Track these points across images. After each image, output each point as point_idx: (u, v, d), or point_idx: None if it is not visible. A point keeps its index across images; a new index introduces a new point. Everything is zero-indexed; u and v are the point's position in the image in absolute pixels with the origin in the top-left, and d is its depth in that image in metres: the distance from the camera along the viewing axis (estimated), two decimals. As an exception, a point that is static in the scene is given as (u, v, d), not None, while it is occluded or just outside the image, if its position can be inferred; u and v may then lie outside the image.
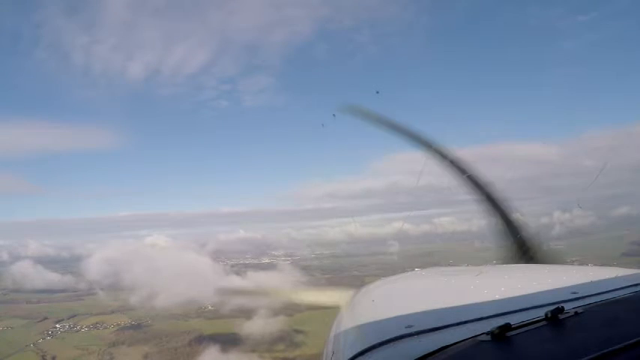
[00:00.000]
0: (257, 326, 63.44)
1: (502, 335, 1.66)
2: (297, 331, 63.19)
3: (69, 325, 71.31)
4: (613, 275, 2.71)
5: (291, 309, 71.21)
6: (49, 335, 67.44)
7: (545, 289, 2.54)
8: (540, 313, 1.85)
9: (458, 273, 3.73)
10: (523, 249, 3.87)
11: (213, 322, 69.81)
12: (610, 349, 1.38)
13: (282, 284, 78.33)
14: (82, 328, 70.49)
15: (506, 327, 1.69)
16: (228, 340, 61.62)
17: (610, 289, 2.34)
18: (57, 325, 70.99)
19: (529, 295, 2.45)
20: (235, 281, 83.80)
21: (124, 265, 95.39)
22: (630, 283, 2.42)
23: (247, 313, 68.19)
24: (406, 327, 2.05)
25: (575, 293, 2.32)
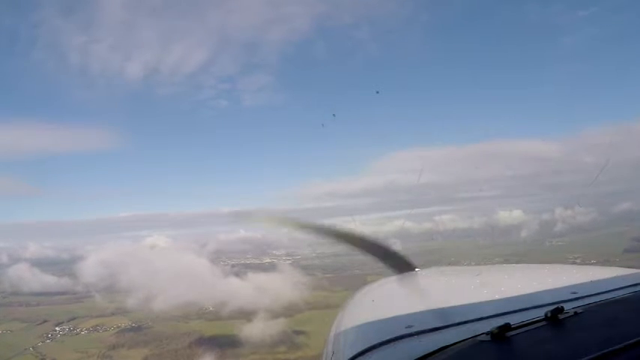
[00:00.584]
0: (258, 328, 63.05)
1: (502, 335, 1.66)
2: (298, 332, 62.69)
3: (69, 328, 70.88)
4: (613, 275, 2.73)
5: (291, 309, 70.92)
6: (48, 338, 67.03)
7: (545, 289, 2.56)
8: (540, 313, 1.84)
9: (458, 273, 3.71)
10: (398, 263, 3.83)
11: (214, 324, 69.34)
12: (610, 349, 1.39)
13: (283, 287, 78.49)
14: (81, 330, 70.08)
15: (506, 327, 1.68)
16: (229, 342, 61.25)
17: (610, 289, 2.34)
18: (56, 328, 70.55)
19: (529, 295, 2.45)
20: (235, 283, 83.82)
21: (122, 266, 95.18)
22: (630, 283, 2.41)
23: (248, 315, 67.88)
24: (406, 327, 2.05)
25: (575, 293, 2.31)
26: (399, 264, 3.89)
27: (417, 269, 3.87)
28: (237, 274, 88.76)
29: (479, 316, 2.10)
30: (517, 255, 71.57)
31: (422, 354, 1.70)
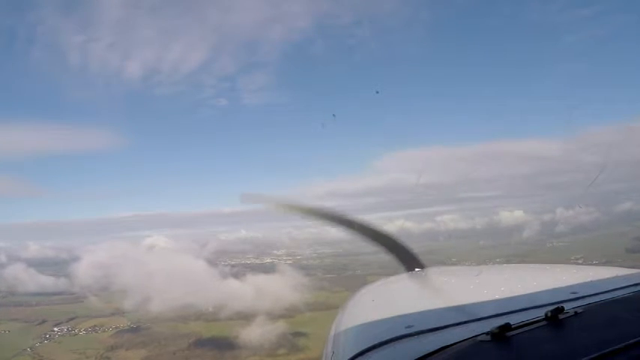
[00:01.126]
0: (257, 329, 62.56)
1: (502, 335, 1.67)
2: (299, 334, 62.18)
3: (67, 328, 70.45)
4: (613, 275, 2.71)
5: (292, 310, 70.54)
6: (46, 339, 66.56)
7: (545, 289, 2.54)
8: (540, 313, 1.85)
9: (458, 273, 3.71)
10: (408, 260, 3.92)
11: (213, 325, 68.82)
12: (610, 349, 1.40)
13: (283, 288, 78.17)
14: (80, 331, 69.64)
15: (506, 327, 1.69)
16: (228, 344, 60.71)
17: (610, 289, 2.33)
18: (55, 329, 70.12)
19: (529, 295, 2.44)
20: (234, 284, 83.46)
21: (121, 267, 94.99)
22: (630, 283, 2.40)
23: (248, 316, 67.48)
24: (406, 327, 2.06)
25: (575, 293, 2.31)
26: (408, 259, 3.88)
27: (423, 268, 3.88)
28: (237, 275, 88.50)
29: (479, 316, 2.10)
30: (518, 256, 71.26)
31: (422, 354, 1.70)
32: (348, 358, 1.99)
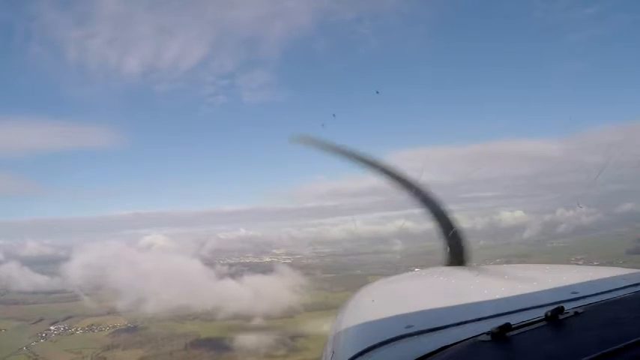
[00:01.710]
0: (256, 330, 62.07)
1: (502, 335, 1.68)
2: (298, 335, 61.56)
3: (64, 327, 69.95)
4: (613, 275, 2.70)
5: (291, 311, 70.08)
6: (42, 338, 66.04)
7: (545, 289, 2.54)
8: (540, 313, 1.86)
9: (458, 273, 3.69)
10: (457, 252, 3.89)
11: (211, 325, 68.20)
12: (610, 349, 1.41)
13: (282, 287, 77.71)
14: (76, 330, 69.14)
15: (506, 327, 1.70)
16: (226, 345, 60.02)
17: (610, 289, 2.33)
18: (51, 327, 69.62)
19: (529, 295, 2.44)
20: (232, 284, 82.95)
21: (118, 266, 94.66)
22: (630, 283, 2.40)
23: (246, 316, 67.00)
24: (406, 327, 2.07)
25: (575, 293, 2.31)
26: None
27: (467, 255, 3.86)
28: (235, 274, 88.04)
29: (479, 316, 2.09)
30: (519, 256, 70.94)
31: (422, 354, 1.71)
32: (348, 358, 1.97)
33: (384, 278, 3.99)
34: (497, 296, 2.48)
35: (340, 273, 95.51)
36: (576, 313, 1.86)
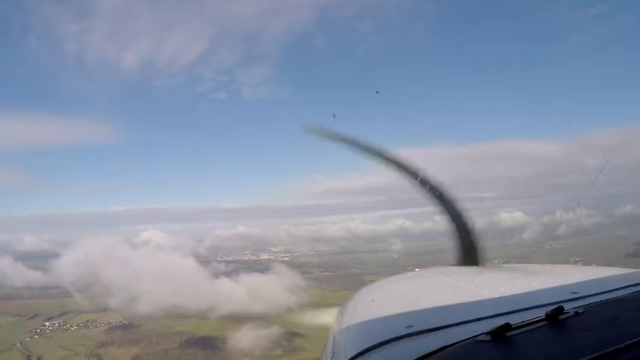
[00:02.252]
0: (252, 329, 61.43)
1: (502, 335, 1.69)
2: (295, 334, 61.19)
3: (58, 324, 69.68)
4: (613, 275, 2.72)
5: (288, 309, 69.66)
6: (37, 333, 65.68)
7: (545, 289, 2.55)
8: (540, 313, 1.86)
9: (458, 273, 3.66)
10: (470, 252, 3.84)
11: (206, 324, 67.83)
12: (610, 349, 1.42)
13: (279, 286, 77.22)
14: (71, 326, 68.81)
15: (506, 327, 1.71)
16: (221, 344, 59.68)
17: (610, 289, 2.33)
18: (46, 323, 69.31)
19: (529, 295, 2.46)
20: (229, 282, 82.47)
21: (113, 262, 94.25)
22: (630, 283, 2.40)
23: (242, 315, 66.42)
24: (406, 327, 2.07)
25: (575, 293, 2.31)
26: (469, 251, 3.79)
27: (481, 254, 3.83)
28: (232, 272, 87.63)
29: (479, 316, 2.09)
30: (518, 257, 70.57)
31: (422, 354, 1.72)
32: (348, 358, 1.98)
33: (384, 278, 3.97)
34: (497, 296, 2.48)
35: (338, 271, 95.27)
36: (576, 313, 1.85)
